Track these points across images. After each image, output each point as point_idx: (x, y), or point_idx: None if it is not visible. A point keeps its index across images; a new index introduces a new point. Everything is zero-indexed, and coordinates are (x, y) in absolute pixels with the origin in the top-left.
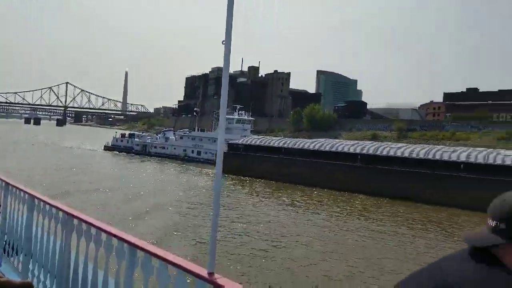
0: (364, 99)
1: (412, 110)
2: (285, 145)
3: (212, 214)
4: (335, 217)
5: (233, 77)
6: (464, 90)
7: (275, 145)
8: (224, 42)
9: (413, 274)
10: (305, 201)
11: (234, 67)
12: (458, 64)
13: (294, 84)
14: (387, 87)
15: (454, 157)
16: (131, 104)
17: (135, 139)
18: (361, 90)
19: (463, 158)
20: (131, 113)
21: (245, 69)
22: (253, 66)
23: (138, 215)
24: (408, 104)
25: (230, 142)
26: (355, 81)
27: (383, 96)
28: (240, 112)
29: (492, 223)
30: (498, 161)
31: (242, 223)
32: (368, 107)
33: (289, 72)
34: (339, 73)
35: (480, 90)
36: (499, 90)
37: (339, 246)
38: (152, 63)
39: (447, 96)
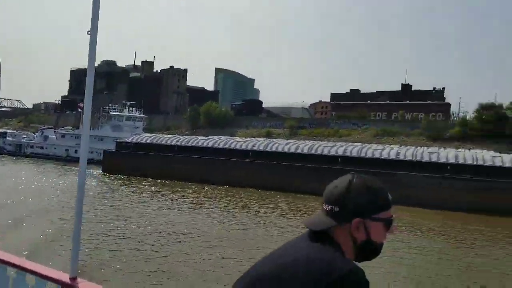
0: (262, 98)
1: (303, 109)
2: (178, 143)
3: (75, 214)
4: (219, 211)
5: (125, 72)
6: (348, 91)
7: (168, 143)
8: (89, 33)
9: (255, 266)
10: (194, 198)
11: (126, 61)
12: (344, 66)
13: (193, 82)
14: (284, 87)
15: (333, 152)
16: (5, 99)
17: (7, 138)
18: (258, 89)
19: (340, 152)
20: (3, 109)
21: (139, 63)
22: (147, 61)
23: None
24: (301, 103)
25: (118, 140)
26: (253, 80)
27: (280, 95)
28: (131, 109)
29: (327, 207)
30: (369, 155)
31: (123, 223)
32: (265, 105)
33: (186, 69)
34: (238, 71)
35: (361, 91)
36: (376, 92)
37: (218, 239)
38: (31, 53)
39: (334, 96)
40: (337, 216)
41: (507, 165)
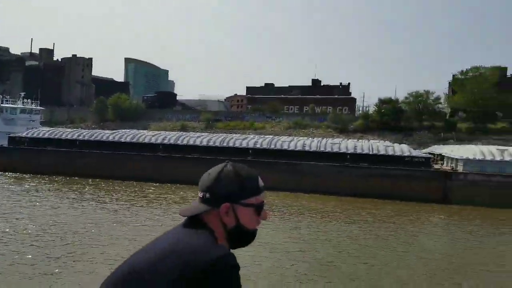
0: (177, 90)
1: (219, 102)
2: (80, 137)
3: None
4: (119, 205)
5: (20, 60)
6: (263, 85)
7: (69, 137)
8: None
9: (129, 259)
10: (92, 194)
11: (21, 48)
12: (261, 61)
13: (101, 72)
14: (201, 79)
15: (244, 144)
16: None
17: None
18: (173, 81)
19: (251, 145)
20: None
21: (36, 51)
22: (45, 48)
23: None
24: (217, 97)
25: (12, 135)
26: (166, 72)
27: (197, 88)
28: (26, 100)
29: (201, 194)
30: (278, 147)
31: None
32: (180, 98)
33: (91, 58)
34: (151, 62)
35: (276, 85)
36: (289, 86)
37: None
38: None
39: (249, 89)
40: (208, 202)
41: (397, 154)
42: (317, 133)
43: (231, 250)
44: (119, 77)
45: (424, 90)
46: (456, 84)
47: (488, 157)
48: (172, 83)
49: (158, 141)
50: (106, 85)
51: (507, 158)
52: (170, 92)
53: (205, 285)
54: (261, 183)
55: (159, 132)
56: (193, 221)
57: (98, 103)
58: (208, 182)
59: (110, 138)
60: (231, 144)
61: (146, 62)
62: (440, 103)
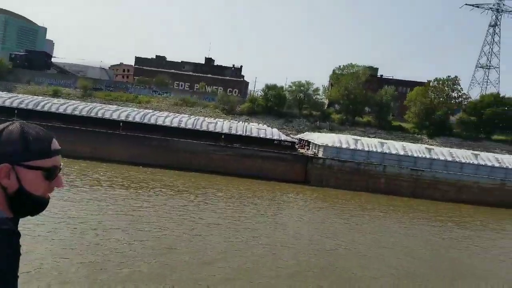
0: (58, 53)
1: (101, 70)
2: None
3: None
4: None
5: None
6: (155, 56)
7: None
8: None
9: None
10: None
11: None
12: (155, 31)
13: None
14: (87, 43)
15: (115, 116)
16: None
17: None
18: (52, 40)
19: (123, 117)
20: None
21: None
22: None
23: None
24: (99, 63)
25: None
26: (45, 29)
27: (83, 53)
28: None
29: None
30: (152, 121)
31: None
32: (57, 61)
33: None
34: (27, 17)
35: (167, 59)
36: (182, 61)
37: None
38: None
39: (138, 60)
40: None
41: (268, 137)
42: (205, 112)
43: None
44: None
45: (306, 81)
46: (333, 78)
47: (344, 145)
48: (50, 43)
49: (14, 105)
50: None
51: (359, 147)
52: (44, 52)
53: None
54: (54, 146)
55: (16, 95)
56: None
57: None
58: None
59: None
60: (99, 115)
61: (20, 16)
62: (319, 94)
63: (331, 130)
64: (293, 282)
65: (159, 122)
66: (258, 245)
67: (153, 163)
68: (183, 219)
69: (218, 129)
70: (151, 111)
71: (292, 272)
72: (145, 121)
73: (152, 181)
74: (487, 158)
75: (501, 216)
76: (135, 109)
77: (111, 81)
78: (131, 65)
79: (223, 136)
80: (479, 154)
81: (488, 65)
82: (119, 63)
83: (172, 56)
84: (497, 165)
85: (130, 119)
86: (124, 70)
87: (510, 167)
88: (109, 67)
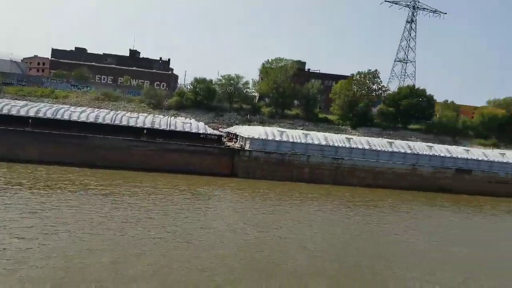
0: None
1: (12, 63)
2: None
3: None
4: None
5: None
6: (73, 49)
7: None
8: None
9: None
10: None
11: None
12: (74, 22)
13: None
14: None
15: (23, 113)
16: None
17: None
18: None
19: (32, 113)
20: None
21: None
22: None
23: None
24: (10, 56)
25: None
26: None
27: None
28: None
29: None
30: (66, 117)
31: None
32: None
33: None
34: None
35: (88, 51)
36: (104, 54)
37: None
38: None
39: (55, 52)
40: None
41: (193, 130)
42: (129, 107)
43: None
44: None
45: (235, 74)
46: (263, 71)
47: (270, 137)
48: None
49: None
50: None
51: (284, 138)
52: None
53: None
54: None
55: None
56: None
57: None
58: None
59: None
60: (5, 111)
61: None
62: (249, 87)
63: (262, 123)
64: (204, 276)
65: (74, 117)
66: (173, 241)
67: (68, 161)
68: (89, 218)
69: (139, 124)
70: (65, 106)
71: (205, 264)
72: (58, 117)
73: (60, 181)
74: (401, 145)
75: (410, 197)
76: (47, 104)
77: (24, 75)
78: (47, 58)
79: (145, 131)
80: (393, 142)
81: (406, 59)
82: (33, 55)
83: (95, 49)
84: (409, 151)
85: (40, 115)
86: (39, 63)
87: (421, 153)
88: (21, 60)
